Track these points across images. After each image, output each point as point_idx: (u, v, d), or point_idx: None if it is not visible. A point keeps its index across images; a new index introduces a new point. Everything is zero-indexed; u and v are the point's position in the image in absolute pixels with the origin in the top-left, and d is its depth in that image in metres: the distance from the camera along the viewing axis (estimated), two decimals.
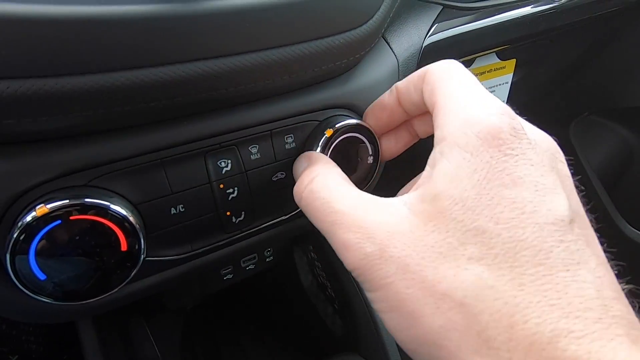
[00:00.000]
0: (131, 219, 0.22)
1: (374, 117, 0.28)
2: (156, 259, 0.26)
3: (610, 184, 0.81)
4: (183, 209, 0.25)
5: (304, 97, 0.29)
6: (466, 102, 0.19)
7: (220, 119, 0.26)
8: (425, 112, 0.24)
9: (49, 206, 0.20)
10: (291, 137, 0.29)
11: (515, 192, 0.16)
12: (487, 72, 0.53)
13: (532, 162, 0.17)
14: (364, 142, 0.30)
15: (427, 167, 0.19)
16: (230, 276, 0.48)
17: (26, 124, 0.19)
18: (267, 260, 0.51)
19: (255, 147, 0.27)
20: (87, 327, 0.41)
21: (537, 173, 0.17)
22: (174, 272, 0.28)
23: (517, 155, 0.17)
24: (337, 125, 0.28)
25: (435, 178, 0.18)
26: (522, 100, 0.64)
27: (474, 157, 0.17)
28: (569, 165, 0.20)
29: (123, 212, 0.22)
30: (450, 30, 0.38)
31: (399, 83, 0.24)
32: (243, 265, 0.49)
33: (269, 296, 0.64)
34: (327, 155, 0.29)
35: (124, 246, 0.22)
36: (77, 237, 0.21)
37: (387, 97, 0.26)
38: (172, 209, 0.25)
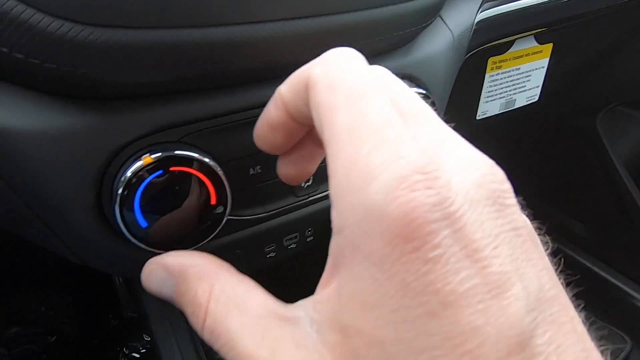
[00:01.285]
0: (221, 174, 0.23)
1: (266, 141, 0.19)
2: (235, 217, 0.27)
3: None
4: (260, 170, 0.26)
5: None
6: (360, 167, 0.13)
7: None
8: None
9: (154, 156, 0.21)
10: None
11: (449, 321, 0.11)
12: (525, 55, 0.53)
13: (467, 251, 0.12)
14: None
15: (329, 261, 0.14)
16: (273, 254, 0.49)
17: (129, 76, 0.20)
18: (308, 240, 0.52)
19: None
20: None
21: (476, 268, 0.12)
22: (244, 233, 0.29)
23: (444, 253, 0.12)
24: None
25: (341, 297, 0.13)
26: (553, 88, 0.64)
27: (382, 275, 0.12)
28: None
29: (217, 167, 0.23)
30: (499, 7, 0.39)
31: (282, 89, 0.17)
32: (285, 244, 0.50)
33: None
34: None
35: (213, 200, 0.23)
36: (176, 188, 0.22)
37: (273, 112, 0.18)
38: (251, 169, 0.26)
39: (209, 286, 0.16)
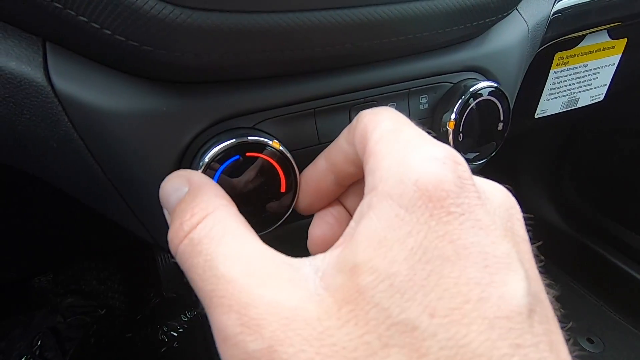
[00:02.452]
0: (293, 162, 0.23)
1: (310, 196, 0.21)
2: None
3: None
4: None
5: (439, 58, 0.29)
6: (403, 143, 0.15)
7: (364, 74, 0.26)
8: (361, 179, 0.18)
9: (232, 141, 0.21)
10: (425, 97, 0.29)
11: (459, 269, 0.12)
12: (595, 51, 0.50)
13: (480, 224, 0.13)
14: (497, 107, 0.29)
15: (352, 222, 0.15)
16: None
17: (218, 58, 0.20)
18: None
19: (394, 104, 0.28)
20: None
21: (486, 240, 0.13)
22: (301, 223, 0.29)
23: (463, 214, 0.13)
24: (475, 87, 0.28)
25: (358, 240, 0.13)
26: (620, 87, 0.60)
27: (409, 215, 0.13)
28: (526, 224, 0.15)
29: (288, 155, 0.23)
30: None
31: (330, 148, 0.19)
32: None
33: None
34: (462, 120, 0.28)
35: (283, 187, 0.23)
36: (250, 173, 0.22)
37: (318, 164, 0.20)
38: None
39: (215, 205, 0.15)
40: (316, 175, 0.20)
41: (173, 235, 0.15)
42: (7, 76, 0.19)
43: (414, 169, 0.14)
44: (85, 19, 0.17)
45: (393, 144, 0.15)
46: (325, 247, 0.18)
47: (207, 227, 0.14)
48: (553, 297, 0.15)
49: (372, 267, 0.12)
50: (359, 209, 0.15)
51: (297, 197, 0.23)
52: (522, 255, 0.14)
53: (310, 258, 0.14)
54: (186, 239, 0.14)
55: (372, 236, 0.13)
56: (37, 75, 0.20)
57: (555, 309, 0.14)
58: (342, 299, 0.12)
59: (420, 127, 0.16)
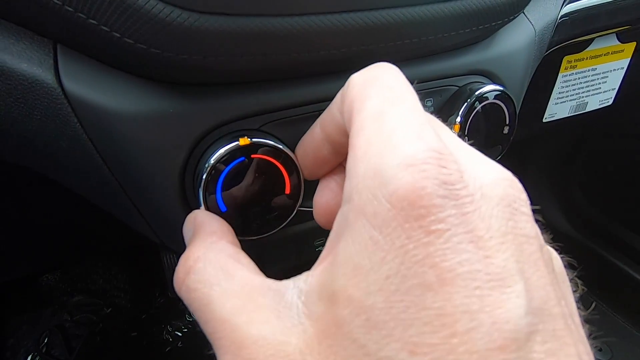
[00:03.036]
0: (297, 164, 0.23)
1: (305, 163, 0.21)
2: (302, 208, 0.27)
3: None
4: None
5: (445, 61, 0.29)
6: (383, 139, 0.13)
7: None
8: None
9: (238, 142, 0.21)
10: (430, 100, 0.29)
11: (443, 298, 0.11)
12: (604, 55, 0.49)
13: (471, 236, 0.11)
14: (503, 111, 0.29)
15: (332, 233, 0.14)
16: (321, 248, 0.49)
17: (224, 61, 0.20)
18: None
19: None
20: None
21: (477, 255, 0.11)
22: (307, 225, 0.29)
23: (448, 229, 0.11)
24: (481, 91, 0.28)
25: (335, 263, 0.12)
26: (629, 91, 0.59)
27: (384, 238, 0.11)
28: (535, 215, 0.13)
29: (293, 157, 0.23)
30: (584, 0, 0.36)
31: (323, 116, 0.18)
32: None
33: None
34: (467, 123, 0.28)
35: (287, 189, 0.23)
36: (255, 175, 0.22)
37: (311, 136, 0.19)
38: None
39: (206, 246, 0.16)
40: (313, 145, 0.19)
41: (175, 282, 0.16)
42: (19, 78, 0.20)
43: (388, 180, 0.12)
44: (95, 22, 0.18)
45: (373, 138, 0.13)
46: (329, 216, 0.19)
47: (200, 272, 0.15)
48: (577, 294, 0.14)
49: (349, 298, 0.12)
50: (338, 218, 0.14)
51: (302, 181, 0.23)
52: (524, 260, 0.12)
53: (295, 279, 0.14)
54: (184, 285, 0.15)
55: (347, 262, 0.12)
56: (47, 77, 0.20)
57: (579, 309, 0.13)
58: (322, 332, 0.12)
59: (418, 97, 0.14)
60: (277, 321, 0.13)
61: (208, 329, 0.14)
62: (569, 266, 0.15)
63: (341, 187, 0.19)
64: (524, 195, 0.13)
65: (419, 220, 0.11)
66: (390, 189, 0.12)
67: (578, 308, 0.14)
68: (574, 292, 0.15)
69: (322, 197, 0.20)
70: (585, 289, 0.16)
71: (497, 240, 0.12)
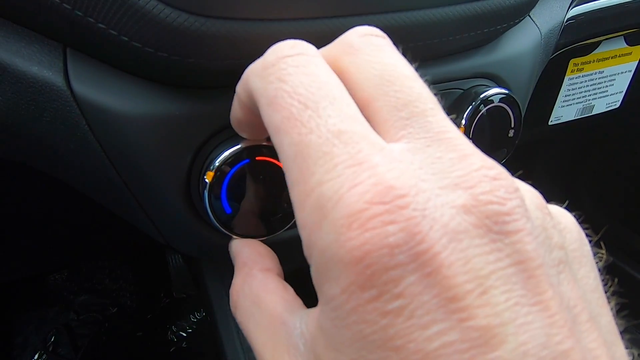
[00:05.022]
0: None
1: (243, 133, 0.19)
2: None
3: None
4: None
5: (450, 64, 0.29)
6: (310, 200, 0.11)
7: None
8: None
9: (242, 145, 0.21)
10: None
11: None
12: (611, 58, 0.49)
13: (439, 300, 0.10)
14: (508, 114, 0.29)
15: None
16: None
17: (230, 64, 0.21)
18: None
19: None
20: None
21: (451, 321, 0.09)
22: None
23: (408, 304, 0.10)
24: (486, 94, 0.28)
25: (317, 326, 0.12)
26: (637, 95, 0.58)
27: (340, 322, 0.10)
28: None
29: None
30: (594, 2, 0.36)
31: (239, 91, 0.15)
32: None
33: None
34: (472, 126, 0.28)
35: None
36: (260, 177, 0.22)
37: (238, 110, 0.16)
38: None
39: (241, 279, 0.17)
40: (239, 121, 0.17)
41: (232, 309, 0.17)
42: (30, 80, 0.20)
43: (330, 263, 0.10)
44: (104, 26, 0.18)
45: (303, 197, 0.11)
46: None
47: (240, 306, 0.16)
48: (601, 264, 0.12)
49: None
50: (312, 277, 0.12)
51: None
52: (518, 297, 0.10)
53: (300, 317, 0.14)
54: (235, 318, 0.16)
55: (321, 333, 0.11)
56: (57, 79, 0.20)
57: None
58: None
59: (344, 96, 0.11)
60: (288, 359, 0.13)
61: (255, 354, 0.15)
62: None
63: None
64: (510, 204, 0.10)
65: (371, 302, 0.10)
66: (336, 272, 0.10)
67: (604, 281, 0.12)
68: (597, 263, 0.13)
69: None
70: (611, 257, 0.14)
71: (477, 292, 0.10)
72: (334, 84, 0.12)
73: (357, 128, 0.11)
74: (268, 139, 0.22)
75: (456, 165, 0.11)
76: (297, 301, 0.15)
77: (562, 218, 0.13)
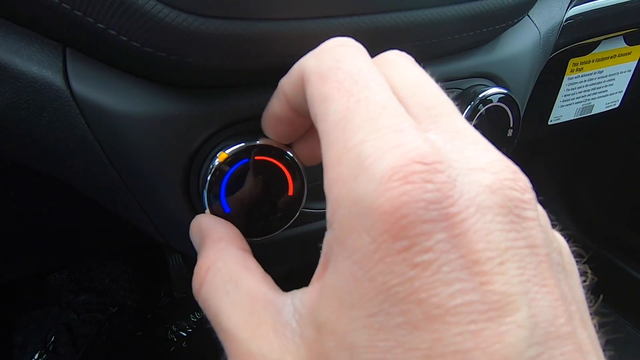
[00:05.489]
0: (300, 165, 0.23)
1: (273, 131, 0.19)
2: (306, 209, 0.27)
3: None
4: None
5: (449, 64, 0.29)
6: (352, 156, 0.11)
7: None
8: None
9: (242, 144, 0.22)
10: None
11: (431, 337, 0.10)
12: (610, 57, 0.49)
13: (465, 261, 0.10)
14: (507, 114, 0.29)
15: (322, 254, 0.13)
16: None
17: (228, 64, 0.21)
18: None
19: None
20: None
21: (473, 283, 0.10)
22: (311, 227, 0.30)
23: (436, 259, 0.10)
24: (485, 93, 0.28)
25: (323, 292, 0.12)
26: (637, 94, 0.58)
27: (364, 274, 0.11)
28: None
29: (296, 159, 0.23)
30: (594, 2, 0.36)
31: (284, 83, 0.16)
32: None
33: None
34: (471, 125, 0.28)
35: (291, 191, 0.24)
36: (259, 177, 0.22)
37: (277, 105, 0.17)
38: None
39: (215, 254, 0.16)
40: (278, 118, 0.18)
41: (193, 292, 0.16)
42: (29, 80, 0.20)
43: (365, 210, 0.11)
44: (103, 26, 0.18)
45: (343, 156, 0.12)
46: (311, 162, 0.20)
47: (210, 282, 0.15)
48: (586, 285, 0.13)
49: (333, 332, 0.11)
50: (323, 248, 0.13)
51: (305, 182, 0.22)
52: (529, 276, 0.10)
53: (292, 295, 0.14)
54: (199, 295, 0.16)
55: (332, 294, 0.11)
56: (56, 79, 0.21)
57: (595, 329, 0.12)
58: (312, 358, 0.12)
59: (386, 86, 0.12)
60: (275, 338, 0.13)
61: (219, 337, 0.14)
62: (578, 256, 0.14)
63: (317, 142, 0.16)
64: (528, 196, 0.12)
65: (402, 253, 0.10)
66: (369, 221, 0.10)
67: (588, 300, 0.13)
68: (583, 282, 0.14)
69: (303, 152, 0.20)
70: (595, 278, 0.16)
71: (497, 261, 0.10)
72: (379, 74, 0.13)
73: (399, 108, 0.12)
74: (271, 145, 0.22)
75: (482, 155, 0.12)
76: (279, 288, 0.15)
77: (557, 234, 0.14)
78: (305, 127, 0.18)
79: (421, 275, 0.10)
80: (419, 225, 0.10)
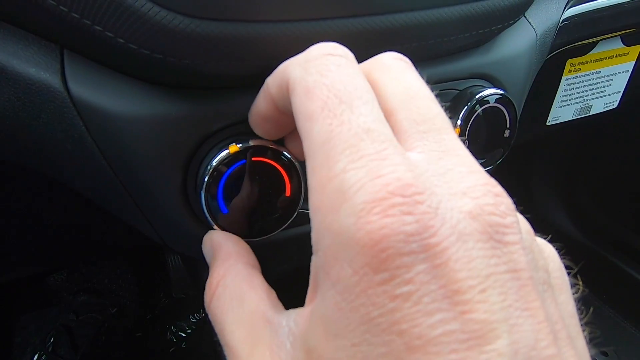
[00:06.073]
0: (298, 166, 0.23)
1: (261, 129, 0.19)
2: (303, 210, 0.27)
3: None
4: None
5: (445, 65, 0.29)
6: (333, 185, 0.11)
7: None
8: None
9: (239, 145, 0.22)
10: None
11: None
12: (608, 58, 0.49)
13: (445, 291, 0.10)
14: (503, 114, 0.29)
15: (311, 276, 0.13)
16: None
17: (225, 66, 0.21)
18: None
19: None
20: None
21: (454, 312, 0.10)
22: (308, 227, 0.30)
23: (416, 290, 0.10)
24: (482, 94, 0.28)
25: (312, 317, 0.12)
26: (635, 95, 0.58)
27: (347, 305, 0.11)
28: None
29: (293, 160, 0.23)
30: (591, 3, 0.36)
31: (269, 83, 0.16)
32: None
33: None
34: (467, 126, 0.28)
35: (288, 192, 0.24)
36: (256, 178, 0.23)
37: (262, 105, 0.17)
38: None
39: (224, 270, 0.17)
40: (265, 117, 0.18)
41: (205, 305, 0.17)
42: (27, 82, 0.21)
43: (346, 242, 0.11)
44: (100, 28, 0.18)
45: (325, 182, 0.12)
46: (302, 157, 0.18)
47: (218, 297, 0.16)
48: (577, 295, 0.13)
49: (320, 357, 0.11)
50: (313, 264, 0.13)
51: (302, 183, 0.23)
52: (511, 301, 0.11)
53: (287, 315, 0.14)
54: (209, 309, 0.16)
55: (319, 321, 0.12)
56: (54, 80, 0.21)
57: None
58: None
59: (370, 100, 0.12)
60: (270, 358, 0.13)
61: (224, 350, 0.15)
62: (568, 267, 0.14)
63: None
64: (509, 219, 0.12)
65: (382, 285, 0.10)
66: (350, 253, 0.11)
67: (579, 311, 0.13)
68: (574, 294, 0.14)
69: (293, 148, 0.20)
70: (587, 290, 0.16)
71: (478, 289, 0.10)
72: (367, 89, 0.13)
73: (384, 130, 0.12)
74: (273, 141, 0.22)
75: (465, 178, 0.12)
76: (280, 304, 0.16)
77: (546, 247, 0.14)
78: (292, 125, 0.18)
79: (402, 307, 0.10)
80: (399, 258, 0.10)
